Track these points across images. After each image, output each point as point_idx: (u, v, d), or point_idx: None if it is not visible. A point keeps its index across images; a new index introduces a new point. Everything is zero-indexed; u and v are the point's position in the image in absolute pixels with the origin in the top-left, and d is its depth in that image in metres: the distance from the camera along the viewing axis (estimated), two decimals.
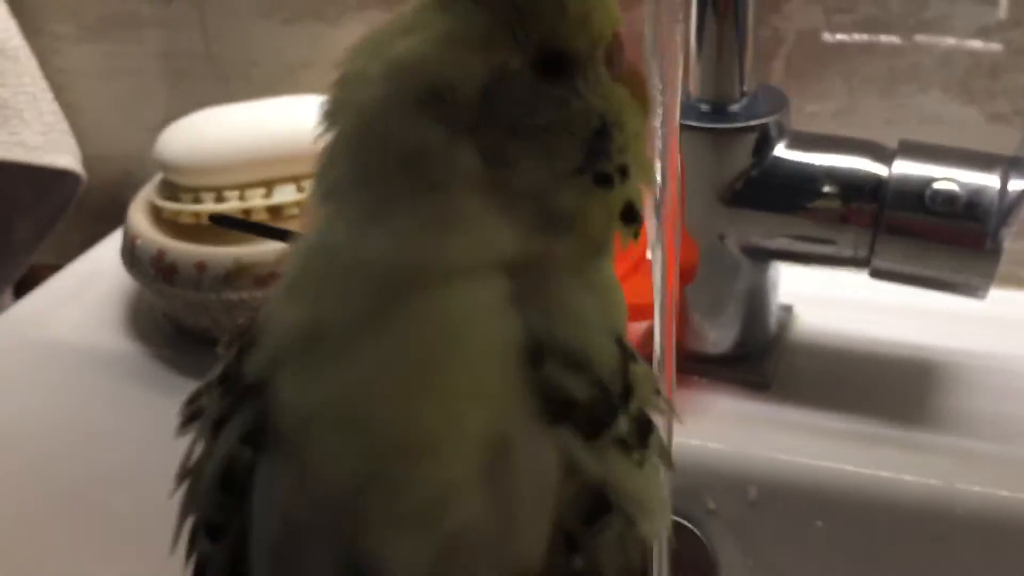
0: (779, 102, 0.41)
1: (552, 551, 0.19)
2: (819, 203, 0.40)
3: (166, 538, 0.21)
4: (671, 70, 0.26)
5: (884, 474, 0.39)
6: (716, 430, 0.41)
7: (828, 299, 0.48)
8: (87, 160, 0.60)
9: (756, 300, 0.44)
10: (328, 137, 0.21)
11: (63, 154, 0.58)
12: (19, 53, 0.56)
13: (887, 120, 0.47)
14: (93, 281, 0.53)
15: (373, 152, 0.20)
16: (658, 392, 0.22)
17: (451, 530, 0.18)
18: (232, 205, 0.47)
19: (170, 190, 0.48)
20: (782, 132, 0.41)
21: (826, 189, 0.40)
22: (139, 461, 0.45)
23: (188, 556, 0.21)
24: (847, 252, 0.40)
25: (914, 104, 0.46)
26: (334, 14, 0.53)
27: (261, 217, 0.47)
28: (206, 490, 0.21)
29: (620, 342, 0.22)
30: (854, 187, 0.39)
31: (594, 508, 0.19)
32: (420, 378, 0.18)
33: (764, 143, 0.40)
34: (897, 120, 0.46)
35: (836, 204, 0.39)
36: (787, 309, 0.47)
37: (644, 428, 0.21)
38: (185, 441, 0.22)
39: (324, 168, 0.21)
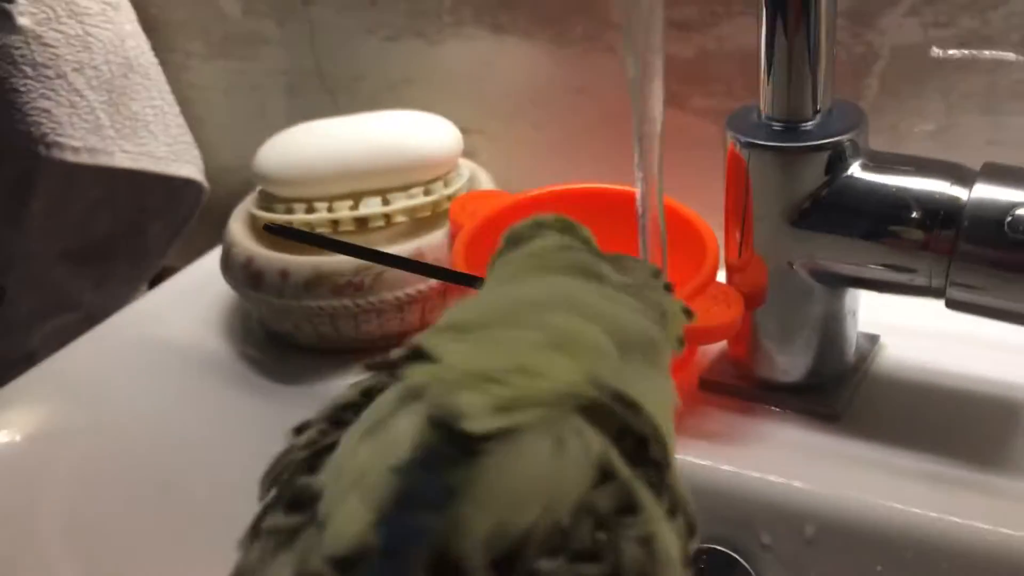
0: (855, 120, 0.39)
1: (579, 517, 0.21)
2: (892, 227, 0.37)
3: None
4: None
5: (955, 519, 0.37)
6: (776, 461, 0.40)
7: (921, 330, 0.45)
8: (212, 171, 0.64)
9: (831, 328, 0.42)
10: None
11: (186, 164, 0.62)
12: (150, 70, 0.60)
13: (989, 140, 0.44)
14: (202, 285, 0.56)
15: None
16: (688, 498, 0.24)
17: (518, 422, 0.21)
18: (320, 216, 0.49)
19: (266, 200, 0.51)
20: (857, 151, 0.39)
21: (900, 213, 0.37)
22: (223, 457, 0.48)
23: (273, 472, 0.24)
24: (921, 281, 0.38)
25: (1018, 124, 0.43)
26: (433, 32, 0.54)
27: (348, 228, 0.49)
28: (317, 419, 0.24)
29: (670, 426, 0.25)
30: (930, 211, 0.37)
31: (622, 506, 0.22)
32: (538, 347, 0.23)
33: (836, 163, 0.38)
34: (1000, 140, 0.43)
35: (911, 229, 0.37)
36: (872, 339, 0.45)
37: (674, 505, 0.23)
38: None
39: None
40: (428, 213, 0.50)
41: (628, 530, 0.22)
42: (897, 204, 0.37)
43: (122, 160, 0.59)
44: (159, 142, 0.61)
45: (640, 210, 0.31)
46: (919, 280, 0.38)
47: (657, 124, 0.29)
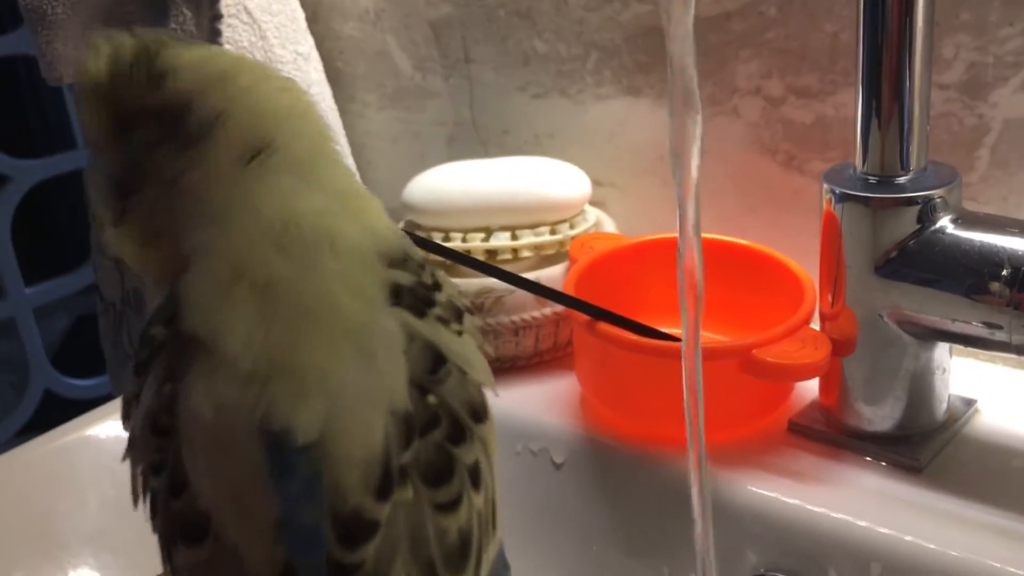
0: (948, 178, 0.41)
1: (412, 397, 0.26)
2: (976, 281, 0.39)
3: None
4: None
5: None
6: (851, 502, 0.41)
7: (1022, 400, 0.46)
8: None
9: (919, 381, 0.43)
10: None
11: None
12: (329, 115, 0.68)
13: None
14: None
15: None
16: (463, 300, 0.30)
17: (336, 389, 0.25)
18: (455, 244, 0.54)
19: (409, 228, 0.56)
20: (948, 208, 0.40)
21: (985, 268, 0.39)
22: None
23: (142, 496, 0.28)
24: (1002, 336, 0.39)
25: None
26: (575, 92, 0.59)
27: (479, 257, 0.54)
28: (142, 437, 0.27)
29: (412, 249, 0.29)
30: (1015, 268, 0.38)
31: (434, 362, 0.26)
32: (306, 290, 0.26)
33: (926, 217, 0.40)
34: None
35: (995, 284, 0.38)
36: (968, 402, 0.45)
37: (457, 312, 0.28)
38: None
39: None
40: (553, 251, 0.54)
41: (447, 382, 0.26)
42: (983, 260, 0.39)
43: None
44: None
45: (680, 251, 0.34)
46: (1000, 336, 0.39)
47: (693, 170, 0.33)
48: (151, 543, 0.49)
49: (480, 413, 0.28)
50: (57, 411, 0.62)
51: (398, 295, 0.27)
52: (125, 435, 0.52)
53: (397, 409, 0.25)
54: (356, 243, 0.27)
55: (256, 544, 0.25)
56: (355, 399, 0.25)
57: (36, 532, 0.48)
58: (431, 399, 0.26)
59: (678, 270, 0.33)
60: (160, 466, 0.27)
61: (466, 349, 0.28)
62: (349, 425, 0.25)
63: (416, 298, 0.27)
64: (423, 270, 0.28)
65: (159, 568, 0.48)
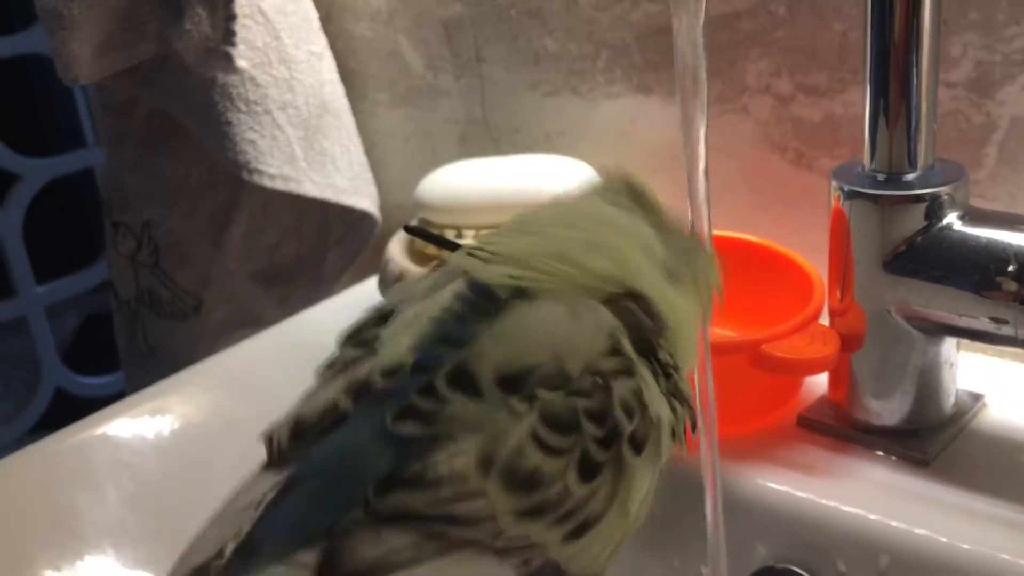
0: (955, 175, 0.41)
1: (583, 371, 0.27)
2: (982, 277, 0.39)
3: None
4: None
5: None
6: (859, 495, 0.42)
7: None
8: (386, 207, 0.71)
9: (927, 376, 0.43)
10: None
11: (364, 198, 0.70)
12: (342, 114, 0.69)
13: None
14: (364, 302, 0.62)
15: None
16: (690, 396, 0.30)
17: (543, 285, 0.28)
18: (466, 241, 0.54)
19: (424, 226, 0.57)
20: (955, 205, 0.41)
21: (991, 264, 0.39)
22: None
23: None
24: (1008, 331, 0.39)
25: None
26: (586, 90, 0.59)
27: None
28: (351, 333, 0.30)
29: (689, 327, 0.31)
30: (1020, 264, 0.39)
31: (620, 370, 0.27)
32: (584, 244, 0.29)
33: (933, 213, 0.41)
34: None
35: (1001, 279, 0.39)
36: (976, 397, 0.46)
37: (674, 392, 0.29)
38: None
39: None
40: None
41: (623, 383, 0.27)
42: (990, 256, 0.39)
43: (310, 189, 0.67)
44: (342, 176, 0.69)
45: None
46: (1006, 330, 0.39)
47: (701, 166, 0.33)
48: (168, 536, 0.50)
49: (636, 437, 0.27)
50: (68, 409, 0.63)
51: (631, 327, 0.28)
52: (143, 431, 0.53)
53: (566, 364, 0.26)
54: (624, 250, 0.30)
55: (395, 348, 0.27)
56: (542, 319, 0.27)
57: (56, 525, 0.48)
58: (599, 382, 0.27)
59: None
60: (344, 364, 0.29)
61: (659, 397, 0.28)
62: (523, 326, 0.27)
63: (644, 341, 0.28)
64: (666, 334, 0.29)
65: (175, 559, 0.49)
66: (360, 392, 0.27)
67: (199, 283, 0.75)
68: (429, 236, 0.45)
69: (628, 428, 0.27)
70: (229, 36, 0.61)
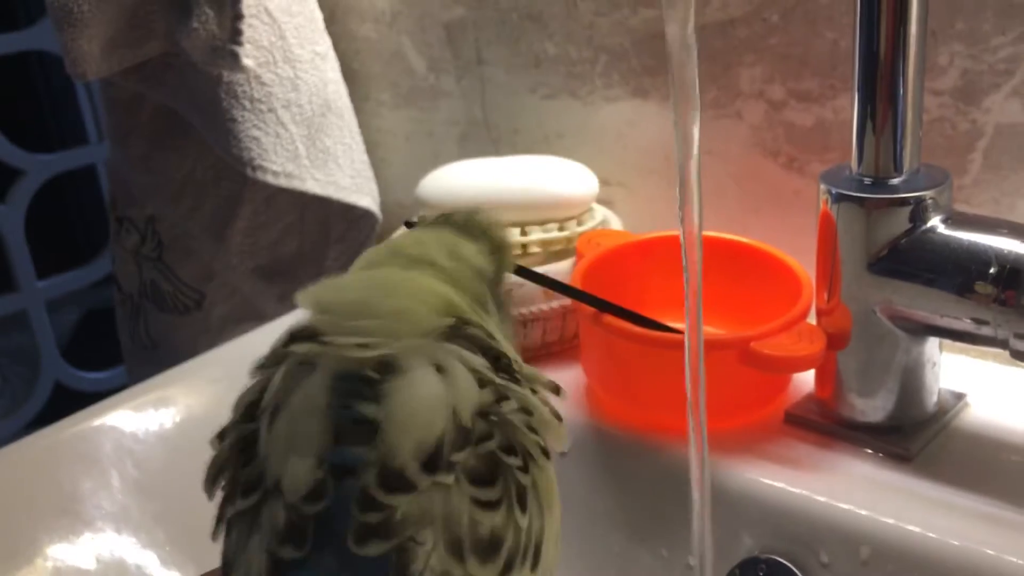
0: (939, 180, 0.43)
1: (474, 417, 0.28)
2: (963, 279, 0.41)
3: None
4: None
5: (1012, 558, 0.38)
6: (842, 488, 0.43)
7: (1010, 395, 0.48)
8: (387, 205, 0.73)
9: (910, 374, 0.45)
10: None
11: (365, 196, 0.71)
12: (344, 113, 0.70)
13: None
14: None
15: None
16: (545, 383, 0.32)
17: (403, 347, 0.28)
18: None
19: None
20: (939, 208, 0.42)
21: (972, 266, 0.41)
22: None
23: (212, 473, 0.29)
24: (988, 331, 0.41)
25: None
26: (585, 93, 0.61)
27: None
28: (234, 422, 0.29)
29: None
30: (1001, 267, 0.40)
31: (499, 397, 0.29)
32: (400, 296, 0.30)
33: (918, 216, 0.42)
34: None
35: (980, 282, 0.40)
36: (958, 396, 0.47)
37: (533, 384, 0.31)
38: None
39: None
40: (561, 247, 0.56)
41: (508, 411, 0.28)
42: (972, 258, 0.41)
43: (312, 186, 0.69)
44: (344, 174, 0.70)
45: (683, 248, 0.36)
46: (986, 331, 0.41)
47: (694, 168, 0.34)
48: (171, 521, 0.51)
49: (535, 448, 0.29)
50: (67, 403, 0.64)
51: (476, 350, 0.29)
52: (146, 419, 0.54)
53: (459, 419, 0.27)
54: (439, 292, 0.31)
55: (299, 471, 0.26)
56: (422, 384, 0.27)
57: (62, 510, 0.49)
58: (491, 418, 0.28)
59: (682, 261, 0.35)
60: (237, 444, 0.29)
61: (535, 401, 0.30)
62: (414, 400, 0.27)
63: (492, 356, 0.30)
64: (507, 354, 0.31)
65: (178, 544, 0.50)
66: (295, 533, 0.26)
67: (202, 278, 0.76)
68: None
69: (535, 440, 0.29)
70: (236, 35, 0.63)
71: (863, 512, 0.42)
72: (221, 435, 0.30)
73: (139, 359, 0.82)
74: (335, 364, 0.27)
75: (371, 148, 0.72)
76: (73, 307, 1.76)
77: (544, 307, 0.53)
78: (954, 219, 0.42)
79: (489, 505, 0.27)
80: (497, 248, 0.36)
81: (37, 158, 1.34)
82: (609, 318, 0.47)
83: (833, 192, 0.43)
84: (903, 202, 0.42)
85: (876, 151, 0.43)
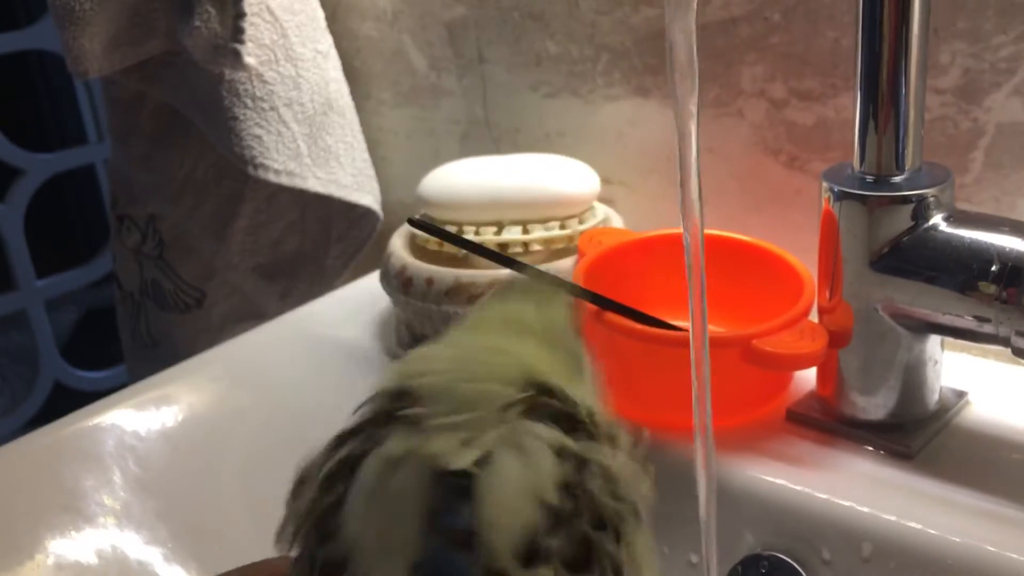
0: (941, 178, 0.43)
1: (560, 494, 0.27)
2: (965, 276, 0.41)
3: None
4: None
5: (1012, 555, 0.38)
6: (844, 486, 0.43)
7: (1012, 393, 0.48)
8: (388, 204, 0.73)
9: (912, 372, 0.45)
10: None
11: (367, 195, 0.71)
12: (346, 111, 0.70)
13: None
14: (364, 296, 0.64)
15: None
16: (624, 436, 0.31)
17: (488, 448, 0.27)
18: (468, 237, 0.56)
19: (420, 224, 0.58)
20: (941, 206, 0.42)
21: (974, 264, 0.41)
22: None
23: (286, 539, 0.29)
24: (989, 329, 0.41)
25: None
26: (586, 92, 0.61)
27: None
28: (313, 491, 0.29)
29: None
30: (1003, 264, 0.40)
31: (581, 466, 0.28)
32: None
33: (920, 215, 0.42)
34: None
35: (982, 280, 0.40)
36: (960, 394, 0.47)
37: (613, 438, 0.29)
38: None
39: None
40: (562, 245, 0.56)
41: (590, 479, 0.27)
42: (973, 256, 0.41)
43: (314, 184, 0.69)
44: (345, 172, 0.70)
45: (686, 247, 0.36)
46: (988, 328, 0.41)
47: (694, 166, 0.34)
48: (173, 518, 0.51)
49: (625, 514, 0.28)
50: (66, 403, 0.64)
51: (550, 416, 0.29)
52: (148, 417, 0.54)
53: (545, 500, 0.27)
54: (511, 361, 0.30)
55: (392, 568, 0.26)
56: (508, 476, 0.27)
57: (64, 507, 0.50)
58: (577, 492, 0.27)
59: (686, 259, 0.35)
60: (311, 514, 0.28)
61: (616, 463, 0.29)
62: (504, 494, 0.26)
63: (568, 420, 0.29)
64: (583, 407, 0.30)
65: (180, 540, 0.50)
66: None
67: (202, 276, 0.76)
68: (433, 229, 0.46)
69: (624, 506, 0.28)
70: (238, 33, 0.63)
71: (865, 509, 0.42)
72: (295, 493, 0.29)
73: (139, 357, 0.82)
74: (430, 462, 0.27)
75: (372, 147, 0.72)
76: (72, 306, 1.76)
77: None
78: (956, 217, 0.42)
79: None
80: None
81: (37, 157, 1.34)
82: (611, 315, 0.47)
83: (835, 190, 0.43)
84: (905, 200, 0.42)
85: (878, 149, 0.43)
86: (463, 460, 0.26)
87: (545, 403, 0.29)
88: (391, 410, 0.28)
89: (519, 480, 0.27)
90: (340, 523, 0.27)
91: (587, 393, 0.32)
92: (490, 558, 0.25)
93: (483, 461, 0.26)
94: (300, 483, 0.29)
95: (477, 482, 0.26)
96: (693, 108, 0.33)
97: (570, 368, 0.33)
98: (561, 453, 0.28)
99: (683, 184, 0.34)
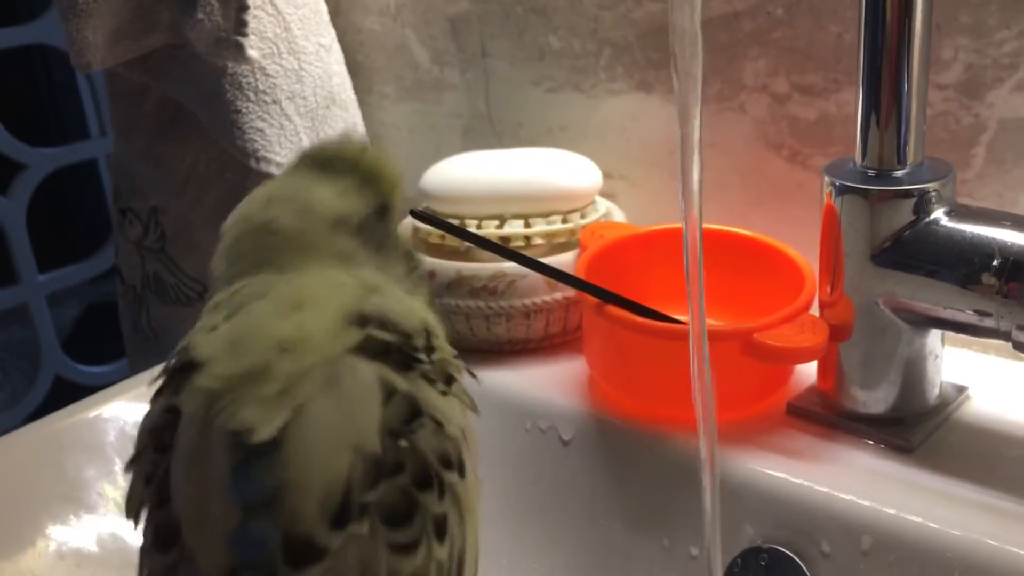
0: (943, 172, 0.43)
1: (384, 442, 0.26)
2: (966, 271, 0.41)
3: None
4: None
5: (1011, 548, 0.39)
6: (843, 479, 0.43)
7: (1012, 389, 0.48)
8: None
9: (912, 366, 0.45)
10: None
11: None
12: (348, 105, 0.70)
13: None
14: None
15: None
16: (460, 367, 0.30)
17: (300, 402, 0.26)
18: (470, 230, 0.56)
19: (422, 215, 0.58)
20: (942, 201, 0.42)
21: (975, 258, 0.41)
22: None
23: (132, 507, 0.29)
24: (990, 323, 0.41)
25: None
26: (588, 87, 0.61)
27: None
28: (144, 454, 0.29)
29: (427, 325, 0.30)
30: (1004, 259, 0.40)
31: (409, 413, 0.27)
32: (287, 313, 0.28)
33: (921, 209, 0.42)
34: None
35: (983, 274, 0.40)
36: (960, 389, 0.47)
37: (447, 376, 0.29)
38: None
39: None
40: (564, 239, 0.56)
41: (420, 432, 0.27)
42: (975, 250, 0.41)
43: None
44: None
45: (685, 239, 0.36)
46: (989, 322, 0.41)
47: (695, 159, 0.34)
48: None
49: (453, 465, 0.28)
50: (67, 397, 0.64)
51: (383, 352, 0.27)
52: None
53: (365, 450, 0.26)
54: (328, 300, 0.29)
55: (211, 551, 0.25)
56: (321, 428, 0.25)
57: (66, 496, 0.50)
58: (402, 443, 0.26)
59: (683, 253, 0.35)
60: (151, 479, 0.28)
61: (445, 406, 0.28)
62: (313, 451, 0.25)
63: (401, 356, 0.28)
64: (418, 336, 0.29)
65: None
66: None
67: (204, 270, 0.75)
68: (435, 221, 0.46)
69: (452, 467, 0.28)
70: (241, 26, 0.63)
71: (864, 502, 0.42)
72: (134, 460, 0.29)
73: (141, 350, 0.82)
74: (232, 439, 0.26)
75: (374, 141, 0.72)
76: (74, 301, 1.77)
77: (547, 298, 0.53)
78: (957, 211, 0.42)
79: (407, 549, 0.26)
80: (370, 179, 0.33)
81: (39, 152, 1.34)
82: (612, 309, 0.48)
83: (837, 184, 0.43)
84: (907, 194, 0.42)
85: (880, 144, 0.43)
86: (266, 423, 0.25)
87: (374, 336, 0.27)
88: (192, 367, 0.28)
89: (330, 432, 0.25)
90: (170, 490, 0.27)
91: (420, 308, 0.31)
92: (291, 523, 0.24)
93: (294, 415, 0.25)
94: (133, 457, 0.29)
95: (280, 444, 0.25)
96: (696, 103, 0.33)
97: (405, 283, 0.32)
98: (391, 395, 0.27)
99: (683, 176, 0.34)
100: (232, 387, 0.26)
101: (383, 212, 0.33)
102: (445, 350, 0.30)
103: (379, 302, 0.29)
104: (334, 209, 0.32)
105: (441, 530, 0.27)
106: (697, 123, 0.33)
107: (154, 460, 0.28)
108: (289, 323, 0.27)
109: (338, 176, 0.32)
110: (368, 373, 0.27)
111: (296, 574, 0.25)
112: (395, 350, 0.28)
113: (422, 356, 0.28)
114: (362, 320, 0.28)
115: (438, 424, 0.27)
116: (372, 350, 0.27)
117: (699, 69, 0.33)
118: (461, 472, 0.28)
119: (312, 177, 0.32)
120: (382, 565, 0.26)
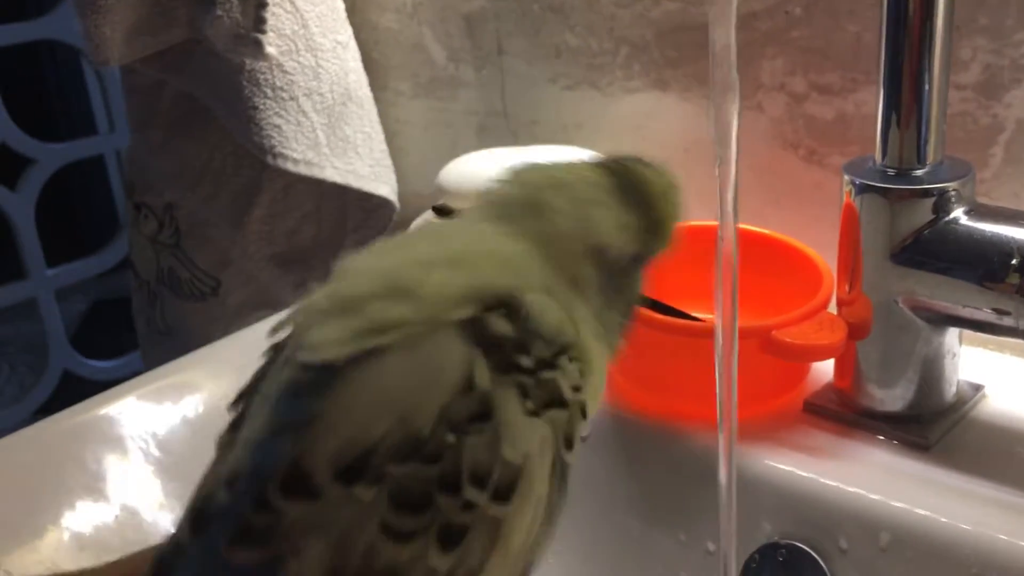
0: (963, 172, 0.43)
1: (433, 427, 0.25)
2: (986, 269, 0.41)
3: None
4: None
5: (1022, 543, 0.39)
6: (861, 476, 0.43)
7: None
8: (405, 195, 0.73)
9: (930, 365, 0.45)
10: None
11: (384, 185, 0.72)
12: (364, 102, 0.71)
13: None
14: None
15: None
16: (579, 409, 0.28)
17: (373, 346, 0.25)
18: None
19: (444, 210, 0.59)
20: (962, 200, 0.43)
21: (995, 257, 0.41)
22: None
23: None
24: (1010, 322, 0.41)
25: None
26: (605, 84, 0.61)
27: None
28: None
29: (568, 345, 0.28)
30: (1023, 258, 0.40)
31: (476, 413, 0.25)
32: (433, 262, 0.27)
33: (941, 208, 0.42)
34: None
35: (1004, 272, 0.41)
36: (976, 387, 0.48)
37: (549, 400, 0.27)
38: None
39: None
40: None
41: (476, 435, 0.25)
42: (994, 249, 0.41)
43: (332, 175, 0.69)
44: (363, 163, 0.70)
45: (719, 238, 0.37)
46: (1008, 321, 0.41)
47: (732, 159, 0.34)
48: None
49: (487, 486, 0.25)
50: (75, 392, 0.65)
51: (493, 345, 0.26)
52: (168, 401, 0.54)
53: (409, 424, 0.25)
54: (484, 272, 0.27)
55: (242, 450, 0.26)
56: (378, 382, 0.25)
57: (86, 487, 0.50)
58: (449, 438, 0.25)
59: (716, 253, 0.35)
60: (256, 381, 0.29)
61: (522, 426, 0.26)
62: (358, 400, 0.25)
63: (505, 356, 0.26)
64: (542, 347, 0.27)
65: None
66: (199, 515, 0.26)
67: (218, 265, 0.76)
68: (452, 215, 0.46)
69: (484, 487, 0.25)
70: (259, 23, 0.63)
71: (882, 499, 0.42)
72: (234, 402, 0.30)
73: (154, 345, 0.82)
74: (298, 346, 0.26)
75: (389, 138, 0.73)
76: (81, 296, 1.77)
77: None
78: (977, 211, 0.43)
79: (397, 536, 0.25)
80: (654, 228, 0.31)
81: (47, 147, 1.34)
82: None
83: (857, 183, 0.44)
84: (926, 193, 0.42)
85: (900, 143, 0.43)
86: (330, 349, 0.25)
87: (486, 323, 0.26)
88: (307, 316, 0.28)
89: (385, 391, 0.25)
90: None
91: (584, 317, 0.29)
92: (302, 454, 0.24)
93: (361, 356, 0.25)
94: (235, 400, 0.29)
95: (335, 378, 0.25)
96: (734, 109, 0.33)
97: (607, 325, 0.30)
98: (468, 382, 0.25)
99: (721, 185, 0.34)
100: (330, 311, 0.26)
101: (639, 260, 0.32)
102: (565, 369, 0.27)
103: (534, 299, 0.27)
104: (604, 238, 0.30)
105: (449, 540, 0.25)
106: (735, 137, 0.33)
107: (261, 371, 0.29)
108: (417, 272, 0.27)
109: (630, 207, 0.31)
110: (456, 354, 0.25)
111: (282, 501, 0.24)
112: (505, 348, 0.26)
113: (529, 365, 0.26)
114: (492, 304, 0.26)
115: (498, 439, 0.25)
116: (482, 336, 0.26)
117: (736, 86, 0.33)
118: (500, 497, 0.26)
119: (607, 188, 0.31)
120: (364, 537, 0.24)
